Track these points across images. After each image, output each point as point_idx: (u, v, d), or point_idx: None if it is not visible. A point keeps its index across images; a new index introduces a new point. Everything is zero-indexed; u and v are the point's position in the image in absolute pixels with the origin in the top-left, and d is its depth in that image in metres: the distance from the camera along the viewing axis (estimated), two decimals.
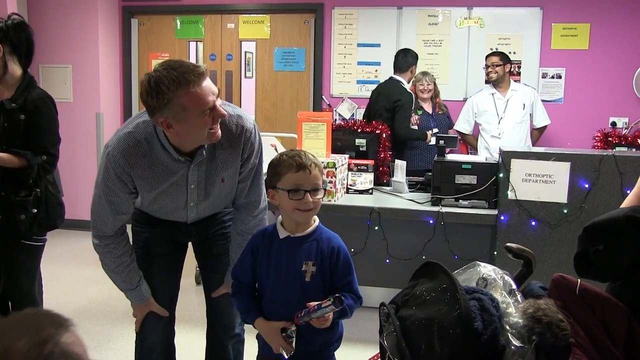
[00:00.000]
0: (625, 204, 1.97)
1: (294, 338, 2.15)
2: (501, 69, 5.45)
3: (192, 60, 7.23)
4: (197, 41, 7.12)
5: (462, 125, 5.74)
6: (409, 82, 5.59)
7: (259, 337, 2.31)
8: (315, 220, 2.24)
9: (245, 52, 7.25)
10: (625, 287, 1.76)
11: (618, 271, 1.78)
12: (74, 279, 5.12)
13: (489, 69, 5.51)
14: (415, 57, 5.59)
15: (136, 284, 2.47)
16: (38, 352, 0.92)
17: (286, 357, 2.14)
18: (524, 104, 5.51)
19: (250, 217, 2.55)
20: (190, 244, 2.74)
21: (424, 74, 5.77)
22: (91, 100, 6.77)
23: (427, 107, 5.73)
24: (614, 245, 1.75)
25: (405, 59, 5.55)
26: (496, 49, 5.92)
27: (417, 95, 5.68)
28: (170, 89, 1.99)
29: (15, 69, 3.01)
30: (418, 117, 5.60)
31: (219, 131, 2.20)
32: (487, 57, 5.62)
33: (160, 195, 2.38)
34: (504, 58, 5.49)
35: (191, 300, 4.46)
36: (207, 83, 2.08)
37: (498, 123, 5.49)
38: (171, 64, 2.06)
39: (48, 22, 6.67)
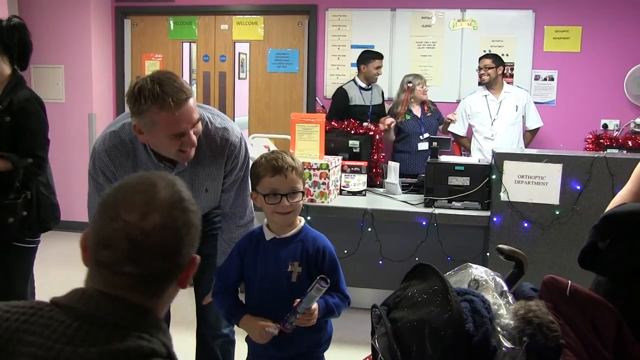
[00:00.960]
0: (620, 200, 1.96)
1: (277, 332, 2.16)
2: (493, 72, 5.46)
3: (186, 61, 7.24)
4: (190, 42, 7.11)
5: (456, 126, 5.74)
6: (368, 82, 5.79)
7: (248, 340, 2.31)
8: (301, 221, 2.25)
9: (239, 53, 7.25)
10: (618, 287, 1.76)
11: (627, 268, 1.77)
12: (67, 281, 5.07)
13: (482, 71, 5.52)
14: (364, 55, 5.81)
15: None
16: (173, 191, 1.21)
17: (276, 332, 2.14)
18: (516, 106, 5.53)
19: (235, 226, 2.56)
20: None
21: (417, 77, 5.71)
22: (83, 101, 6.75)
23: (416, 111, 5.67)
24: (634, 240, 1.74)
25: (357, 60, 5.86)
26: (489, 51, 5.94)
27: (414, 99, 5.65)
28: (147, 102, 1.99)
29: (4, 68, 2.99)
30: (396, 122, 5.56)
31: (192, 153, 2.18)
32: (480, 59, 5.63)
33: None
34: (497, 60, 5.51)
35: (185, 302, 4.45)
36: (186, 110, 2.04)
37: (491, 125, 5.50)
38: (161, 77, 2.03)
39: (40, 22, 6.65)
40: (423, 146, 5.45)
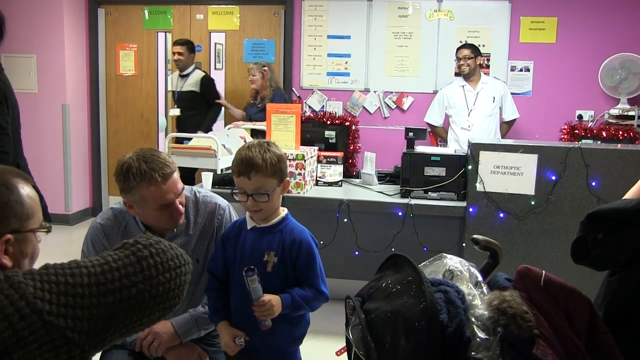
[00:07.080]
0: (629, 196, 1.98)
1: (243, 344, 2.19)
2: (472, 62, 5.45)
3: (161, 51, 7.14)
4: (165, 32, 7.03)
5: (433, 117, 5.75)
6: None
7: None
8: (284, 211, 2.26)
9: (215, 43, 7.19)
10: (625, 282, 1.78)
11: (617, 262, 1.80)
12: None
13: (461, 62, 5.50)
14: None
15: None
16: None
17: (243, 343, 2.18)
18: (494, 97, 5.54)
19: None
20: None
21: (254, 64, 6.06)
22: (57, 92, 6.63)
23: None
24: (618, 235, 1.77)
25: None
26: (465, 41, 5.94)
27: None
28: (136, 179, 2.12)
29: None
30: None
31: (180, 220, 2.27)
32: (457, 49, 5.61)
33: None
34: (475, 50, 5.50)
35: None
36: (172, 182, 2.18)
37: (468, 115, 5.51)
38: (146, 155, 2.16)
39: (10, 10, 6.49)
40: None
